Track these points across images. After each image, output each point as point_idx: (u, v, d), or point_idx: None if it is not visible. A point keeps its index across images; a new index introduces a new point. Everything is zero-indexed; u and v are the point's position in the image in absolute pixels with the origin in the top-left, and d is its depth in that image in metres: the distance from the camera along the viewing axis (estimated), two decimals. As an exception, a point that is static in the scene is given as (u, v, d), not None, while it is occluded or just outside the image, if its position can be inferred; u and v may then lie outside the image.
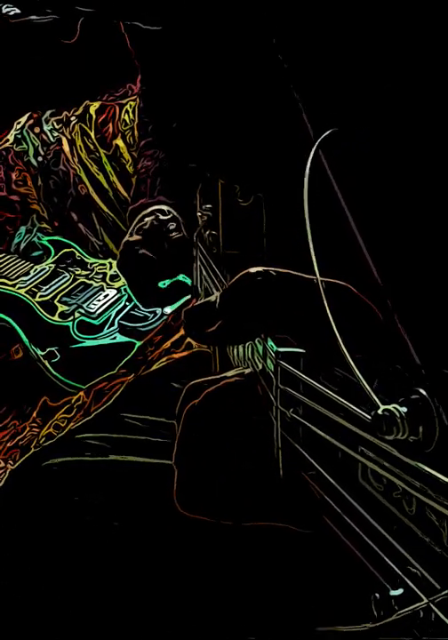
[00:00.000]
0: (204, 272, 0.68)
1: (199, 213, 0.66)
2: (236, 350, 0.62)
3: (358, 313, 0.49)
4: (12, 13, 1.44)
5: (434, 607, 0.44)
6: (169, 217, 0.71)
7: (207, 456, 0.54)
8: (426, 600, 0.44)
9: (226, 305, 0.50)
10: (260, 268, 0.49)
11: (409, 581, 0.45)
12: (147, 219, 0.71)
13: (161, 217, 0.71)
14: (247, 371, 0.57)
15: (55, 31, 1.48)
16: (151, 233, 0.70)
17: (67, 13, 1.39)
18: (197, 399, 0.54)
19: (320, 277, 0.45)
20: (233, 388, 0.55)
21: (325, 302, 0.47)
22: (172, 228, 0.71)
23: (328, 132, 0.47)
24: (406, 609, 0.44)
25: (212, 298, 0.50)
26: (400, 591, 0.45)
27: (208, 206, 0.66)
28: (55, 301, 1.25)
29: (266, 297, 0.50)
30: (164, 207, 0.72)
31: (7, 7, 1.44)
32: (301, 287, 0.49)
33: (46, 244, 1.40)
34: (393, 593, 0.45)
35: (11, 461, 0.98)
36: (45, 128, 1.51)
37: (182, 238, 0.71)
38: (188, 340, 0.82)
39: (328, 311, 0.47)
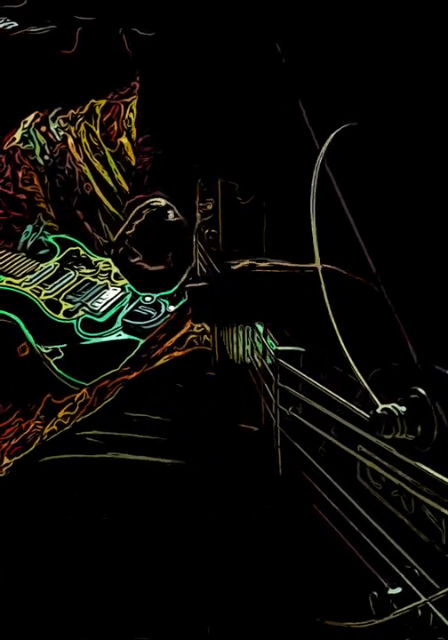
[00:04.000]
0: (204, 270, 0.68)
1: (199, 211, 0.67)
2: (235, 348, 0.62)
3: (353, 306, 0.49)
4: (10, 27, 1.45)
5: (432, 606, 0.43)
6: (164, 205, 0.72)
7: None
8: (424, 599, 0.44)
9: (220, 287, 0.51)
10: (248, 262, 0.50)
11: (407, 580, 0.45)
12: (143, 211, 0.72)
13: (156, 207, 0.72)
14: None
15: (55, 41, 1.48)
16: (145, 225, 0.71)
17: (66, 23, 1.40)
18: None
19: (318, 267, 0.45)
20: None
21: (327, 301, 0.47)
22: (168, 212, 0.71)
23: (342, 128, 0.47)
24: (404, 608, 0.44)
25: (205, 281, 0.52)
26: (398, 590, 0.45)
27: (208, 200, 0.66)
28: (60, 299, 1.25)
29: (255, 286, 0.51)
30: (160, 200, 0.73)
31: (4, 22, 1.45)
32: (294, 282, 0.50)
33: (52, 242, 1.41)
34: (391, 591, 0.45)
35: (16, 458, 0.98)
36: (52, 127, 1.52)
37: (179, 221, 0.72)
38: (190, 338, 0.83)
39: (329, 309, 0.47)
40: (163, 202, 0.72)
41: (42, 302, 1.24)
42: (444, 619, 0.42)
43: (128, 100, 1.45)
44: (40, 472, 0.72)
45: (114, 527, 0.65)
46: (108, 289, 1.27)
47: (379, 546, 0.46)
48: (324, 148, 0.46)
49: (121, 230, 0.71)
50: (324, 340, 0.48)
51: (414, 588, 0.44)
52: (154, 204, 0.72)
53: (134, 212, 0.72)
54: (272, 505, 0.55)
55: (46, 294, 1.26)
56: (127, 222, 0.72)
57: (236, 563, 0.61)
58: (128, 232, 0.70)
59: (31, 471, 0.73)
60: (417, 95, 0.49)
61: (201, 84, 0.60)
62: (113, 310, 1.21)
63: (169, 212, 0.71)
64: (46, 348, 1.14)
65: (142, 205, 0.72)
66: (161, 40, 0.62)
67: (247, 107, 0.56)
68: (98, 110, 1.48)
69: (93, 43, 1.52)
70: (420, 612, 0.43)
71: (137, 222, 0.71)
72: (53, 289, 1.28)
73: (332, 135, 0.46)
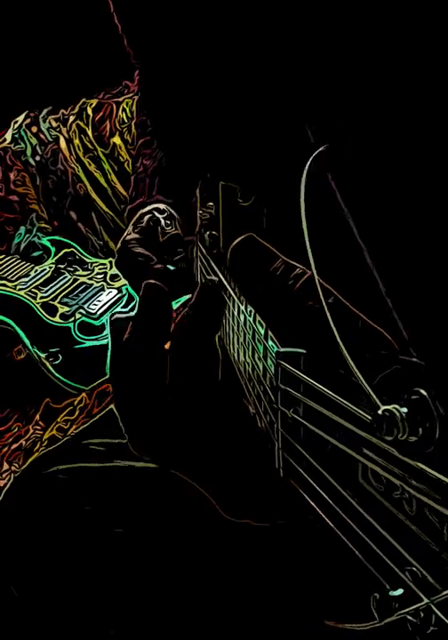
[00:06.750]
0: (205, 273, 0.68)
1: (200, 211, 0.66)
2: (235, 353, 0.62)
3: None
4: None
5: (434, 608, 0.44)
6: (165, 214, 0.72)
7: None
8: (426, 600, 0.44)
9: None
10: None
11: (409, 582, 0.45)
12: (144, 217, 0.72)
13: (157, 215, 0.72)
14: None
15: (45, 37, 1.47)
16: (148, 230, 0.71)
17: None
18: None
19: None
20: None
21: (324, 303, 0.47)
22: (166, 224, 0.71)
23: (321, 148, 0.47)
24: (406, 609, 0.45)
25: None
26: (400, 591, 0.46)
27: (210, 205, 0.65)
28: (56, 302, 1.25)
29: None
30: (162, 205, 0.72)
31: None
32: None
33: (46, 243, 1.40)
34: (393, 593, 0.45)
35: (16, 464, 0.98)
36: (43, 127, 1.51)
37: (175, 235, 0.71)
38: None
39: (327, 310, 0.47)
40: (163, 207, 0.72)
41: (38, 306, 1.23)
42: (446, 620, 0.42)
43: (120, 99, 1.44)
44: (44, 483, 0.72)
45: (120, 537, 0.65)
46: (104, 291, 1.27)
47: (380, 547, 0.47)
48: (308, 164, 0.46)
49: (123, 237, 0.71)
50: (324, 342, 0.48)
51: (416, 589, 0.44)
52: (155, 209, 0.72)
53: (136, 217, 0.72)
54: (273, 507, 0.55)
55: (42, 297, 1.25)
56: (129, 228, 0.71)
57: (237, 564, 0.61)
58: (130, 237, 0.70)
59: (35, 482, 0.73)
60: (414, 94, 0.49)
61: (203, 86, 0.60)
62: (109, 312, 1.21)
63: (169, 220, 0.71)
64: (44, 352, 1.13)
65: (144, 211, 0.72)
66: (163, 36, 0.61)
67: (250, 108, 0.56)
68: (89, 110, 1.48)
69: (84, 41, 1.51)
70: (422, 614, 0.44)
71: (139, 228, 0.71)
72: (49, 292, 1.27)
73: (316, 153, 0.47)
